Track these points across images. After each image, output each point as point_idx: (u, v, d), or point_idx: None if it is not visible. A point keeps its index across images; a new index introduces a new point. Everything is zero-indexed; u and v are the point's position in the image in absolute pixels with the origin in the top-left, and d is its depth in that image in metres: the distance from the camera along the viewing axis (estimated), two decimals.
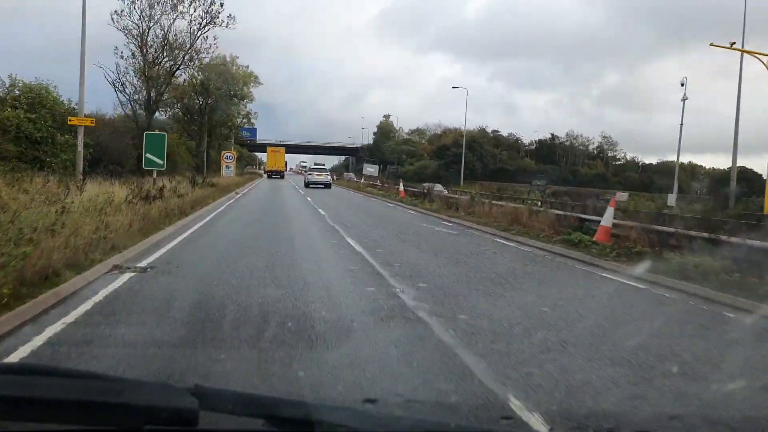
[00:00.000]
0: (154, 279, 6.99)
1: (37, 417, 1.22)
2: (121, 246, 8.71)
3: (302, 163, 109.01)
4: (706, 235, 9.97)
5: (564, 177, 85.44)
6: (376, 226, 15.23)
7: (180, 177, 27.25)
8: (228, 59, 57.51)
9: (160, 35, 32.05)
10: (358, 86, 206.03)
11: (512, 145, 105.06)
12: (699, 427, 2.96)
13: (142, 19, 31.44)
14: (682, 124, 41.12)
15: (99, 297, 5.92)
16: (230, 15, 33.79)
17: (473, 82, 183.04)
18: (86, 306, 5.54)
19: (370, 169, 56.70)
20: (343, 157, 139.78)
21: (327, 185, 41.53)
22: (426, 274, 8.24)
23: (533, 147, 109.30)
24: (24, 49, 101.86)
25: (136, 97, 32.63)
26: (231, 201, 22.76)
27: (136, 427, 1.18)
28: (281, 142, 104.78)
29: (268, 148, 69.23)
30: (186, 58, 33.83)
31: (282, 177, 61.90)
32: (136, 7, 31.35)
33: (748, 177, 53.22)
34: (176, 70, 34.64)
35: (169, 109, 50.15)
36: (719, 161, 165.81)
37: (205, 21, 32.90)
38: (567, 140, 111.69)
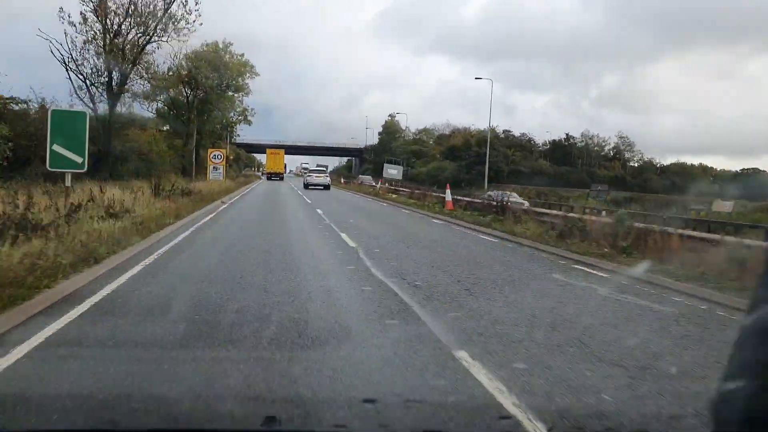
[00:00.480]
0: None
1: None
2: None
3: (304, 165, 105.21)
4: None
5: (580, 179, 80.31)
6: (494, 294, 7.04)
7: (142, 183, 20.16)
8: (221, 45, 50.47)
9: None
10: (358, 87, 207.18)
11: (525, 145, 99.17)
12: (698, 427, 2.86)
13: None
14: None
15: None
16: None
17: (473, 82, 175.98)
18: None
19: (393, 171, 46.06)
20: (345, 159, 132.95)
21: (326, 186, 42.22)
22: None
23: (546, 148, 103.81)
24: None
25: (99, 80, 25.16)
26: (205, 219, 15.55)
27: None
28: (281, 143, 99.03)
29: (268, 150, 69.60)
30: (158, 27, 26.31)
31: (281, 179, 62.35)
32: None
33: None
34: (147, 44, 27.08)
35: (150, 102, 43.05)
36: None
37: None
38: (582, 141, 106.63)
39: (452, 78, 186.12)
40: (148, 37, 26.37)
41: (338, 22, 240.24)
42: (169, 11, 26.25)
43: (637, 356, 4.62)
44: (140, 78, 27.38)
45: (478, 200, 21.87)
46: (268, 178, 62.80)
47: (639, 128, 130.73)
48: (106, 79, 25.02)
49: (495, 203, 18.63)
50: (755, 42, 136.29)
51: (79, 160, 10.81)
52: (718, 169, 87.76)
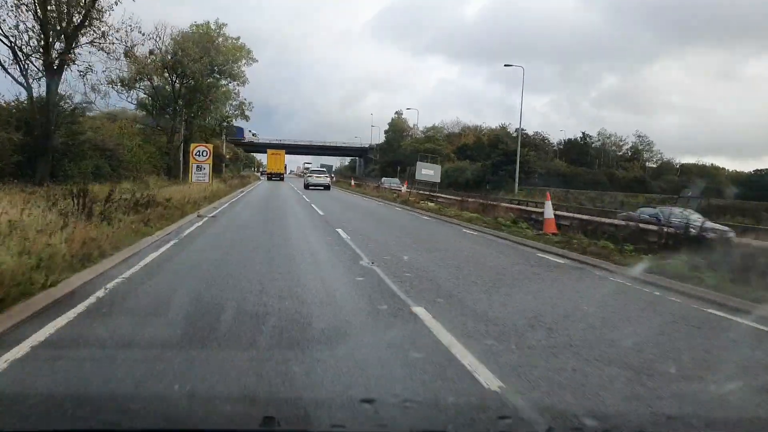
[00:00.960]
0: None
1: None
2: None
3: (306, 164, 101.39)
4: None
5: (598, 180, 74.44)
6: None
7: (101, 187, 13.26)
8: (213, 26, 43.68)
9: None
10: (358, 87, 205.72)
11: (539, 144, 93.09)
12: (698, 427, 2.82)
13: None
14: None
15: None
16: None
17: (473, 83, 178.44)
18: None
19: (428, 171, 36.05)
20: (347, 159, 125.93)
21: (326, 187, 42.90)
22: None
23: (561, 147, 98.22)
24: None
25: (29, 45, 18.14)
26: (132, 271, 8.78)
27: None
28: (282, 142, 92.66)
29: (269, 151, 69.69)
30: None
31: (281, 179, 63.51)
32: None
33: None
34: None
35: (128, 91, 36.21)
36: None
37: None
38: (599, 140, 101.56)
39: (451, 78, 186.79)
40: None
41: (338, 22, 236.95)
42: None
43: None
44: (92, 46, 20.35)
45: (613, 222, 13.45)
46: (269, 179, 64.49)
47: (640, 128, 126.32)
48: (42, 44, 17.99)
49: (668, 229, 10.78)
50: (756, 41, 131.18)
51: None
52: (738, 172, 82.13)
